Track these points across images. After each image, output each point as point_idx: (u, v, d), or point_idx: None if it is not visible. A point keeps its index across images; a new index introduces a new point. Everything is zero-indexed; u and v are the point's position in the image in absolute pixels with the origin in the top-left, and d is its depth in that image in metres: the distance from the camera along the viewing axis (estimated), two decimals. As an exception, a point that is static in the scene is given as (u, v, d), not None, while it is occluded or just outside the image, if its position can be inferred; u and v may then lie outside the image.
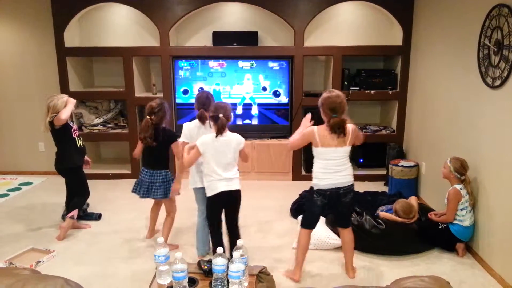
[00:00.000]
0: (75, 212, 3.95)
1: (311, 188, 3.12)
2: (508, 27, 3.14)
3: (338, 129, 2.91)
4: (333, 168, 3.00)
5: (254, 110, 5.56)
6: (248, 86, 5.51)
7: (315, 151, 3.03)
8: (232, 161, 3.12)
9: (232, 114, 3.12)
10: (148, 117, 3.50)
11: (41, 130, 3.86)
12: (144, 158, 3.72)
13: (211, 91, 5.40)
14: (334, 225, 3.72)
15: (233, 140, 3.10)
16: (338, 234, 3.72)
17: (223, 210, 3.28)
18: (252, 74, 5.49)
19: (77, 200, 4.03)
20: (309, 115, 3.16)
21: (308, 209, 3.22)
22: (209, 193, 3.12)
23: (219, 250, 2.18)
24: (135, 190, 3.73)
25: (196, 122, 3.39)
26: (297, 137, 3.07)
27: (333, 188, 3.03)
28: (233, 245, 3.11)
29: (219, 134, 3.02)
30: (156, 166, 3.62)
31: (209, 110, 3.14)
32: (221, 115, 2.98)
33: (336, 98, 2.93)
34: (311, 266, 3.44)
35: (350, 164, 3.09)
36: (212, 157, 3.05)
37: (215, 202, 3.17)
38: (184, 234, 4.02)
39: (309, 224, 3.20)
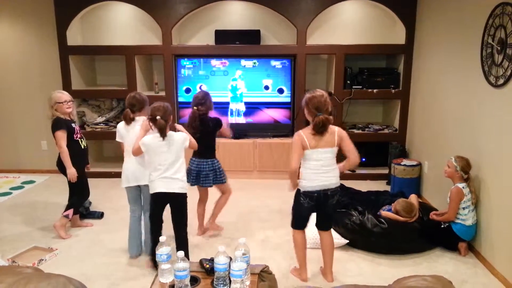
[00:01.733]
0: (70, 212, 3.93)
1: (298, 190, 3.10)
2: (512, 26, 3.13)
3: (321, 127, 2.89)
4: (321, 169, 2.99)
5: (242, 107, 5.58)
6: (239, 84, 5.52)
7: (305, 153, 2.99)
8: (175, 162, 3.14)
9: (171, 115, 3.17)
10: (195, 108, 3.60)
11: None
12: (200, 149, 3.67)
13: (229, 87, 5.31)
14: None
15: (175, 140, 3.14)
16: (340, 233, 3.73)
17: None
18: (244, 72, 5.51)
19: (75, 200, 4.01)
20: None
21: (295, 211, 3.17)
22: (150, 191, 3.22)
23: (221, 248, 2.18)
24: (196, 182, 3.79)
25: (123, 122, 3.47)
26: (293, 156, 2.99)
27: (321, 190, 3.02)
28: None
29: (162, 135, 3.07)
30: (204, 155, 3.70)
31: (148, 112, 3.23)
32: (158, 117, 3.03)
33: (320, 97, 2.93)
34: (311, 266, 3.44)
35: (336, 165, 3.08)
36: (152, 157, 3.13)
37: (153, 201, 3.25)
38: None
39: (299, 226, 3.18)
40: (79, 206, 4.13)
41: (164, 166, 3.11)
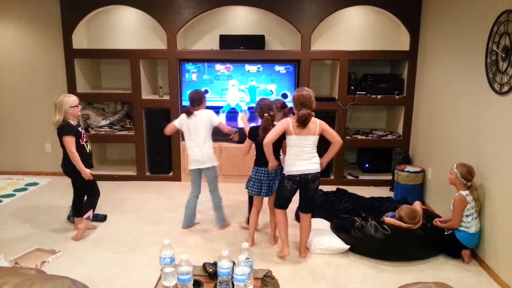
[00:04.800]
0: (90, 213, 3.96)
1: (283, 174, 3.50)
2: (517, 33, 3.13)
3: (304, 120, 3.30)
4: (303, 155, 3.40)
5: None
6: (234, 92, 5.51)
7: (289, 139, 3.41)
8: None
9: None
10: (266, 114, 3.59)
11: (52, 130, 3.85)
12: (259, 157, 3.69)
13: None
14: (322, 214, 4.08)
15: None
16: (342, 239, 3.73)
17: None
18: (238, 80, 5.50)
19: (90, 201, 4.03)
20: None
21: (279, 193, 3.58)
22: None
23: (224, 252, 2.18)
24: (257, 192, 3.73)
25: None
26: (273, 132, 3.39)
27: (303, 174, 3.41)
28: None
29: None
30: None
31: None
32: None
33: (306, 94, 3.37)
34: (316, 271, 3.44)
35: (317, 154, 3.46)
36: None
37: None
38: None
39: (281, 205, 3.59)
40: (95, 205, 4.10)
41: None
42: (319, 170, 3.47)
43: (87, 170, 3.86)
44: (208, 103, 5.45)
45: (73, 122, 3.84)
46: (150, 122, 5.61)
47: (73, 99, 3.82)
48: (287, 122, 3.38)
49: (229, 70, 5.49)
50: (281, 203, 3.58)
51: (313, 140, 3.41)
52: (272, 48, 5.64)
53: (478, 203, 3.52)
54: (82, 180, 3.91)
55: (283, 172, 3.49)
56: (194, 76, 5.53)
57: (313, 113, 3.38)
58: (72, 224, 4.18)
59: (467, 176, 3.53)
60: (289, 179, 3.45)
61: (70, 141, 3.75)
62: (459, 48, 4.08)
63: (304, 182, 3.43)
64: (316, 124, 3.39)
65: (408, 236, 3.64)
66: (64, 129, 3.76)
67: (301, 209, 3.62)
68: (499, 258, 3.32)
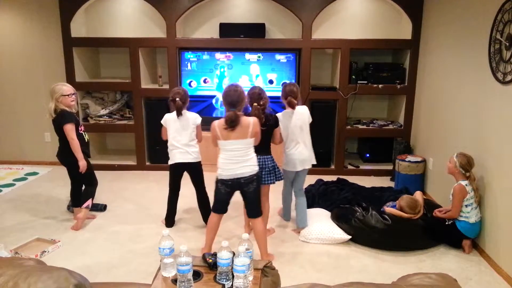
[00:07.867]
0: (89, 202, 3.96)
1: (216, 177, 3.27)
2: (521, 22, 3.08)
3: (230, 123, 3.04)
4: (234, 159, 3.14)
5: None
6: (259, 83, 5.46)
7: (219, 143, 3.17)
8: (189, 136, 3.76)
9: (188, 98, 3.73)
10: (255, 104, 3.36)
11: (47, 117, 3.82)
12: (262, 145, 3.50)
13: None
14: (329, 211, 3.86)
15: (189, 118, 3.74)
16: (343, 229, 3.72)
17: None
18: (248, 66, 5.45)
19: (88, 190, 4.02)
20: None
21: (215, 195, 3.34)
22: (169, 161, 3.90)
23: (224, 243, 2.17)
24: (272, 180, 3.63)
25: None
26: (213, 141, 3.24)
27: (234, 179, 3.17)
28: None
29: (178, 114, 3.70)
30: (264, 151, 3.54)
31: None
32: (177, 99, 3.63)
33: (233, 92, 3.09)
34: (316, 261, 3.43)
35: (254, 155, 3.21)
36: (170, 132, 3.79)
37: (172, 170, 3.94)
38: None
39: (218, 210, 3.35)
40: (93, 194, 4.09)
41: (180, 140, 3.73)
42: (254, 172, 3.20)
43: (85, 162, 3.83)
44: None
45: (69, 110, 3.78)
46: (149, 111, 5.57)
47: (66, 88, 3.77)
48: (214, 128, 3.13)
49: (229, 58, 5.44)
50: (218, 206, 3.34)
51: (246, 143, 3.13)
52: (273, 36, 5.58)
53: (477, 193, 3.51)
54: (79, 169, 3.88)
55: (217, 175, 3.26)
56: (193, 65, 5.47)
57: (241, 113, 3.11)
58: (72, 214, 4.18)
59: (466, 166, 3.51)
60: (221, 183, 3.22)
61: (71, 129, 3.73)
62: (462, 37, 4.03)
63: (237, 186, 3.21)
64: (249, 125, 3.09)
65: (408, 226, 3.63)
66: (64, 117, 3.73)
67: (248, 214, 3.44)
68: (500, 248, 3.31)
